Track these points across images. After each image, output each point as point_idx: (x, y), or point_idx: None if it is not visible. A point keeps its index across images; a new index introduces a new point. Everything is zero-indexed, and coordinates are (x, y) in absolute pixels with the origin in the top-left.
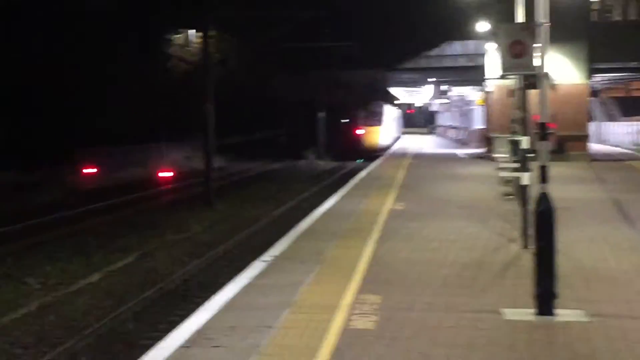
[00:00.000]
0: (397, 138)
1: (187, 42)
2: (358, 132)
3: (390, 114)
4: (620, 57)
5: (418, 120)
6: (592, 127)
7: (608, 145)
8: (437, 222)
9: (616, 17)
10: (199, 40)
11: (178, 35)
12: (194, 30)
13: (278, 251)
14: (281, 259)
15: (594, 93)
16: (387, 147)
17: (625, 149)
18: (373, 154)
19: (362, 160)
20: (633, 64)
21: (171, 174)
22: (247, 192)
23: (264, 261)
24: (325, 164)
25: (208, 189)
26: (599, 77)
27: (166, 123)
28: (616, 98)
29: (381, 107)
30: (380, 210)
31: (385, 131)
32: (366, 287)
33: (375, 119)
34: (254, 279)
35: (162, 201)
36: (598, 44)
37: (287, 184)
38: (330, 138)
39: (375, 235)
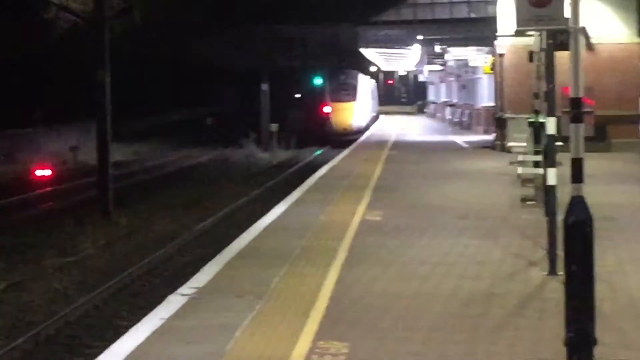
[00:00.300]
0: (374, 119)
1: None
2: (325, 110)
3: (366, 87)
4: None
5: (401, 94)
6: None
7: None
8: (428, 238)
9: None
10: None
11: None
12: None
13: (204, 281)
14: (208, 291)
15: None
16: (363, 130)
17: None
18: (344, 138)
19: (321, 152)
20: None
21: (51, 172)
22: (160, 197)
23: (183, 295)
24: (270, 156)
25: (104, 193)
26: None
27: (44, 100)
28: None
29: (355, 77)
30: (348, 222)
31: (360, 109)
32: (328, 330)
33: (347, 93)
34: (170, 320)
35: (39, 211)
36: None
37: (217, 185)
38: (282, 118)
39: (341, 257)
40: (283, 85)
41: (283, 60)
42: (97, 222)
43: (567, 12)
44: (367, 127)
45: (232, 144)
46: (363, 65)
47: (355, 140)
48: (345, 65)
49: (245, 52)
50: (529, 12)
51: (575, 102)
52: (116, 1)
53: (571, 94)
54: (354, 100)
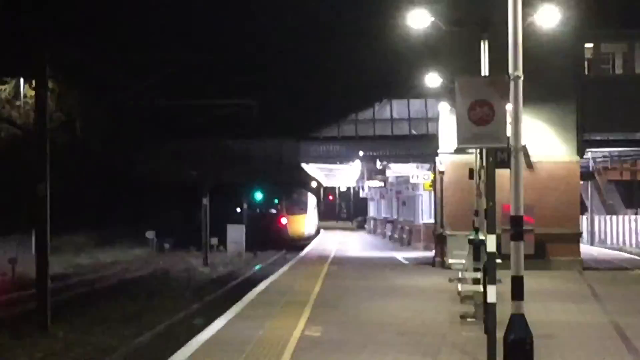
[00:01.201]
0: (318, 229)
1: (15, 95)
2: (282, 221)
3: (313, 202)
4: (622, 126)
5: (342, 210)
6: (584, 222)
7: (606, 247)
8: (368, 355)
9: (617, 69)
10: (33, 92)
11: (2, 86)
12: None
13: None
14: None
15: (588, 175)
16: (312, 237)
17: (630, 253)
18: (298, 244)
19: (260, 267)
20: None
21: None
22: (99, 310)
23: None
24: (210, 271)
25: (42, 305)
26: (594, 153)
27: None
28: (618, 182)
29: (305, 195)
30: (287, 338)
31: (309, 220)
32: None
33: (300, 207)
34: None
35: None
36: (593, 106)
37: (156, 298)
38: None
39: None
40: (227, 199)
41: (227, 175)
42: (34, 334)
43: (508, 131)
44: (315, 234)
45: (173, 257)
46: (305, 180)
47: (306, 245)
48: (290, 183)
49: (187, 166)
50: (470, 130)
51: (516, 220)
52: (57, 114)
53: (512, 212)
54: (305, 213)
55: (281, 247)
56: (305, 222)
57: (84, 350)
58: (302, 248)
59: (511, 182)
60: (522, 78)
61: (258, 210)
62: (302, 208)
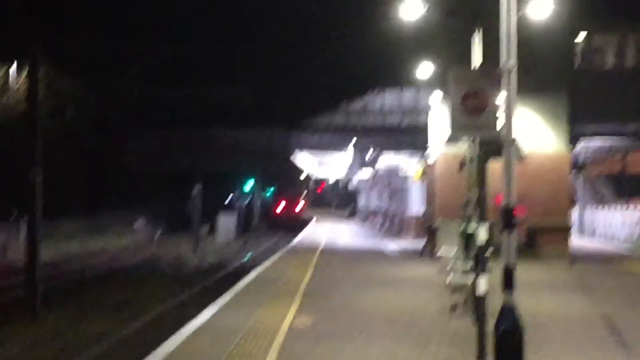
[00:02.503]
0: (307, 218)
1: (6, 81)
2: (281, 205)
3: (304, 194)
4: (613, 118)
5: (332, 199)
6: (574, 214)
7: (596, 239)
8: (357, 344)
9: (609, 62)
10: (24, 79)
11: None
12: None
13: None
14: None
15: (578, 167)
16: (303, 219)
17: (620, 245)
18: (293, 224)
19: (251, 255)
20: (631, 127)
21: None
22: (89, 298)
23: None
24: (200, 259)
25: (32, 292)
26: (585, 145)
27: None
28: (608, 174)
29: (298, 187)
30: (277, 328)
31: (300, 206)
32: None
33: (294, 196)
34: None
35: None
36: (584, 98)
37: (146, 287)
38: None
39: None
40: (218, 188)
41: (217, 164)
42: (23, 322)
43: (500, 122)
44: (306, 219)
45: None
46: (295, 170)
47: (304, 224)
48: (282, 172)
49: (178, 154)
50: (462, 120)
51: (507, 211)
52: (48, 101)
53: (503, 203)
54: (298, 200)
55: (278, 228)
56: (298, 207)
57: (74, 336)
58: (300, 227)
59: (503, 172)
60: (515, 68)
61: (249, 199)
62: (296, 195)
